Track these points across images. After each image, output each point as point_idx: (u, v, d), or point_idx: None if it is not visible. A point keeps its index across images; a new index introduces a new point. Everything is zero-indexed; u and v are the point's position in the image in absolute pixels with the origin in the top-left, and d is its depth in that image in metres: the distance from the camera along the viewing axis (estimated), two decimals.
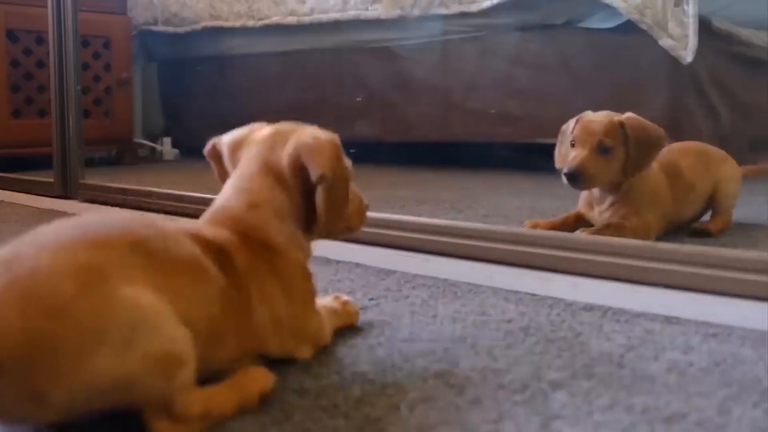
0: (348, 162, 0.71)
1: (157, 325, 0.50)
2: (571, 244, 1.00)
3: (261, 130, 0.72)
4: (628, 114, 1.27)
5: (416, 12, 2.43)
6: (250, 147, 0.71)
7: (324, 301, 0.78)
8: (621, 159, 1.24)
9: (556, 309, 0.87)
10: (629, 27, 2.01)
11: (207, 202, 1.66)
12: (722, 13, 2.22)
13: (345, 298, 0.81)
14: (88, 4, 2.50)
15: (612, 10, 2.04)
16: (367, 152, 2.76)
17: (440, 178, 2.43)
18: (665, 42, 1.95)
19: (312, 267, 0.71)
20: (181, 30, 3.04)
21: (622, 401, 0.60)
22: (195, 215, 1.49)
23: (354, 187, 0.75)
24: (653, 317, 0.84)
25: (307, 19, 2.68)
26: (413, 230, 1.15)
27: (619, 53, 2.16)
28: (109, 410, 0.51)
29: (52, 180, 1.86)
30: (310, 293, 0.70)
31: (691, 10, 1.94)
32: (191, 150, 3.13)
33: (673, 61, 1.97)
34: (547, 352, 0.72)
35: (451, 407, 0.59)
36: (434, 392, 0.62)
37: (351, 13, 2.57)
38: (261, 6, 2.80)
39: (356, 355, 0.71)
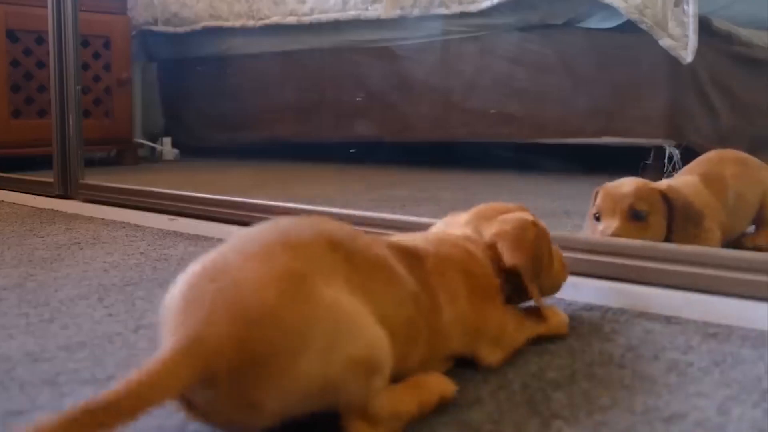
0: (547, 236, 0.78)
1: (358, 328, 0.50)
2: (571, 244, 1.00)
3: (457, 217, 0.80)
4: (668, 183, 1.13)
5: (416, 12, 2.43)
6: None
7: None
8: (658, 231, 1.08)
9: None
10: (629, 27, 2.01)
11: (207, 202, 1.66)
12: (722, 13, 2.22)
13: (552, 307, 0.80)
14: (88, 4, 2.50)
15: (612, 10, 2.04)
16: (367, 152, 2.77)
17: (440, 178, 2.43)
18: (665, 42, 1.95)
19: None
20: (180, 30, 3.04)
21: (622, 401, 0.60)
22: (196, 216, 1.50)
23: (555, 250, 0.81)
24: (653, 317, 0.84)
25: (307, 19, 2.68)
26: (413, 230, 1.15)
27: (619, 53, 2.16)
28: (313, 413, 0.50)
29: (52, 180, 1.86)
30: (495, 290, 0.70)
31: (691, 9, 1.94)
32: (191, 150, 3.13)
33: (673, 61, 1.97)
34: (547, 352, 0.72)
35: (451, 407, 0.59)
36: None
37: (351, 13, 2.57)
38: (261, 6, 2.80)
39: None
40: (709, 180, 1.20)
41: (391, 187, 2.07)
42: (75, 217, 1.61)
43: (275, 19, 2.75)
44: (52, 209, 1.72)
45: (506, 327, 0.70)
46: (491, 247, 0.73)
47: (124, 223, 1.51)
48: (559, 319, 0.77)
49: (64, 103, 1.83)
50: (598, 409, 0.59)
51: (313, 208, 1.38)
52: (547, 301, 0.81)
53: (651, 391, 0.62)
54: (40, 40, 2.57)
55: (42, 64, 2.57)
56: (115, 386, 0.43)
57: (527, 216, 0.76)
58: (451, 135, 2.50)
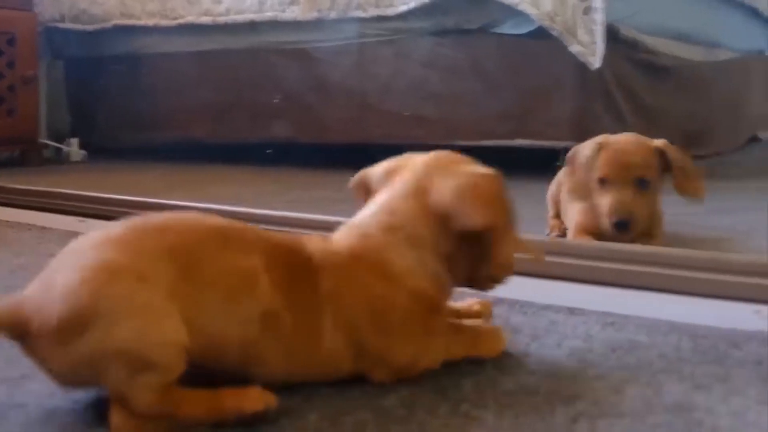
0: (509, 203, 0.67)
1: (141, 325, 0.54)
2: None
3: (418, 157, 0.70)
4: (662, 141, 1.15)
5: (333, 14, 2.44)
6: (405, 172, 0.69)
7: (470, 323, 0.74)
8: (657, 191, 1.13)
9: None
10: (541, 33, 2.07)
11: (116, 203, 1.61)
12: (629, 22, 2.31)
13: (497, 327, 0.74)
14: None
15: (524, 17, 2.10)
16: (283, 153, 2.76)
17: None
18: (574, 48, 2.02)
19: None
20: (90, 28, 2.95)
21: (526, 385, 0.63)
22: (107, 217, 1.46)
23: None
24: (558, 309, 0.87)
25: (222, 20, 2.65)
26: (328, 230, 1.16)
27: (531, 58, 2.22)
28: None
29: None
30: (414, 324, 0.64)
31: (599, 18, 2.02)
32: (101, 151, 3.04)
33: (582, 67, 2.04)
34: None
35: (366, 394, 0.60)
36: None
37: (268, 15, 2.56)
38: (175, 5, 2.75)
39: None
40: None
41: (307, 188, 2.07)
42: None
43: (190, 18, 2.71)
44: None
45: (419, 361, 0.64)
46: (437, 214, 0.64)
47: (30, 225, 1.46)
48: (493, 342, 0.71)
49: None
50: (503, 393, 0.61)
51: (228, 208, 1.37)
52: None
53: (553, 376, 0.65)
54: None
55: None
56: None
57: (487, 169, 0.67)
58: (366, 137, 2.51)
